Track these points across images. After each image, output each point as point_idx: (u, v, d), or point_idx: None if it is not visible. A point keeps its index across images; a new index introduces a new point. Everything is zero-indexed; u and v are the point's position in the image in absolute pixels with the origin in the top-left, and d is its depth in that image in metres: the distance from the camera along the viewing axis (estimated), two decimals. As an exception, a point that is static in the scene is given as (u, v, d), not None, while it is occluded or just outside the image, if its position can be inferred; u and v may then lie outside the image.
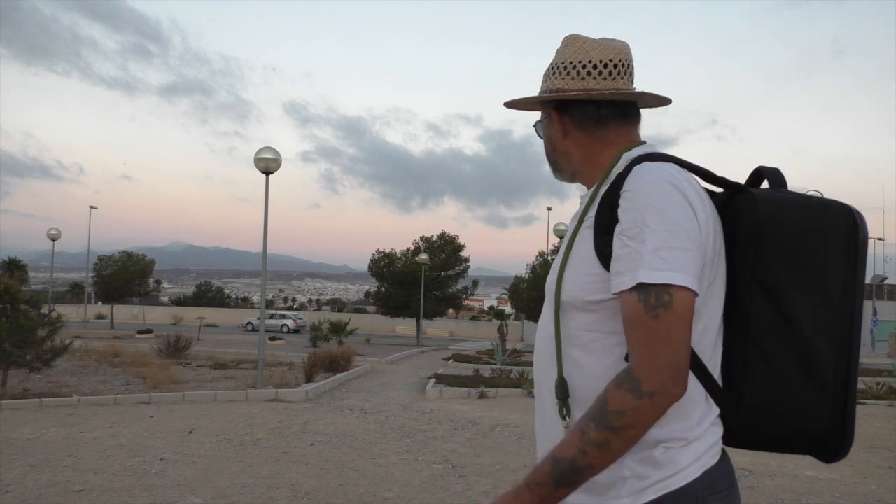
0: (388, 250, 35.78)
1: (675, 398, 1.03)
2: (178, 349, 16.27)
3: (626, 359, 1.06)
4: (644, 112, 1.32)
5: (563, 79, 1.26)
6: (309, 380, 12.12)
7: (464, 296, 38.58)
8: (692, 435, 1.10)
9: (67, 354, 11.58)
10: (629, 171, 1.12)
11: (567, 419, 1.15)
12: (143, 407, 9.00)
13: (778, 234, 1.11)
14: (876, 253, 41.03)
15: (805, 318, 1.09)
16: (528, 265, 32.43)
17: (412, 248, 35.81)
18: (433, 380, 13.47)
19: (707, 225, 1.08)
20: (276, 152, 11.54)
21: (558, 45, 1.31)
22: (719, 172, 1.19)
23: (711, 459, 1.11)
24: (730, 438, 1.16)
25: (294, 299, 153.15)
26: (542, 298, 1.27)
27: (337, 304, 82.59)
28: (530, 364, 12.63)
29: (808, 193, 1.20)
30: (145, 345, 18.86)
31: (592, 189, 1.23)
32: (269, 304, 73.36)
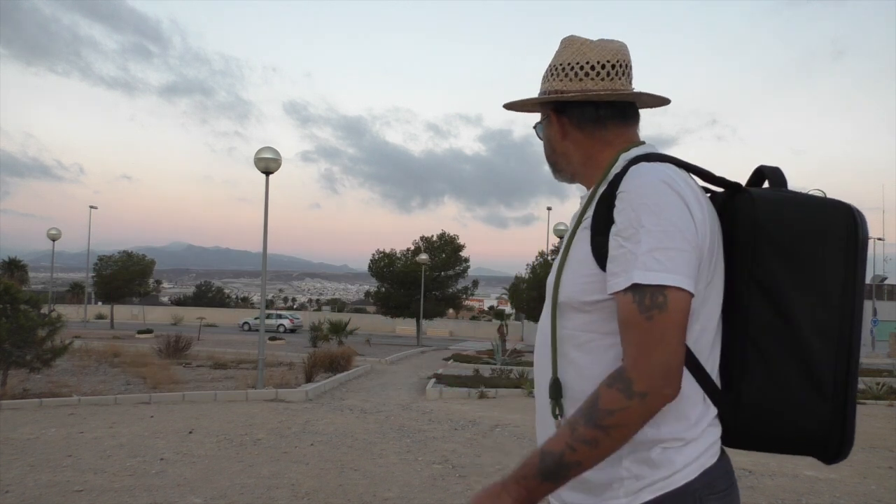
0: (388, 250, 35.79)
1: (668, 399, 1.03)
2: (178, 349, 16.28)
3: None
4: (644, 112, 1.33)
5: (561, 80, 1.27)
6: (309, 380, 12.12)
7: (464, 296, 38.58)
8: (690, 435, 1.10)
9: (67, 354, 11.59)
10: (626, 171, 1.12)
11: (559, 419, 1.16)
12: (143, 407, 9.00)
13: (776, 234, 1.10)
14: (876, 253, 41.03)
15: (804, 318, 1.09)
16: (528, 265, 32.44)
17: (412, 248, 35.81)
18: (433, 380, 13.47)
19: (703, 225, 1.08)
20: (276, 152, 11.54)
21: (557, 46, 1.32)
22: (719, 172, 1.20)
23: (710, 460, 1.11)
24: (729, 439, 1.16)
25: (294, 299, 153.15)
26: (542, 298, 1.27)
27: (337, 304, 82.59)
28: (530, 364, 12.64)
29: (810, 193, 1.20)
30: (145, 345, 18.86)
31: (591, 190, 1.24)
32: (269, 304, 73.37)
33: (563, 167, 1.34)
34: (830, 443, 1.11)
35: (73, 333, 19.17)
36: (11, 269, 47.79)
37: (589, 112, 1.26)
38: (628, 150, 1.23)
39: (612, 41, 1.27)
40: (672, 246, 1.02)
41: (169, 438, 6.88)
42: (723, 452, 1.16)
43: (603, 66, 1.24)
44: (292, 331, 38.00)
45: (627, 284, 1.03)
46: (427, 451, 6.70)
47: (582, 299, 1.13)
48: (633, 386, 1.00)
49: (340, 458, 6.23)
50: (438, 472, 5.82)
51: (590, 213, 1.17)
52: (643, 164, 1.11)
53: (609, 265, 1.08)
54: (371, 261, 35.54)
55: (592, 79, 1.24)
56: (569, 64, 1.26)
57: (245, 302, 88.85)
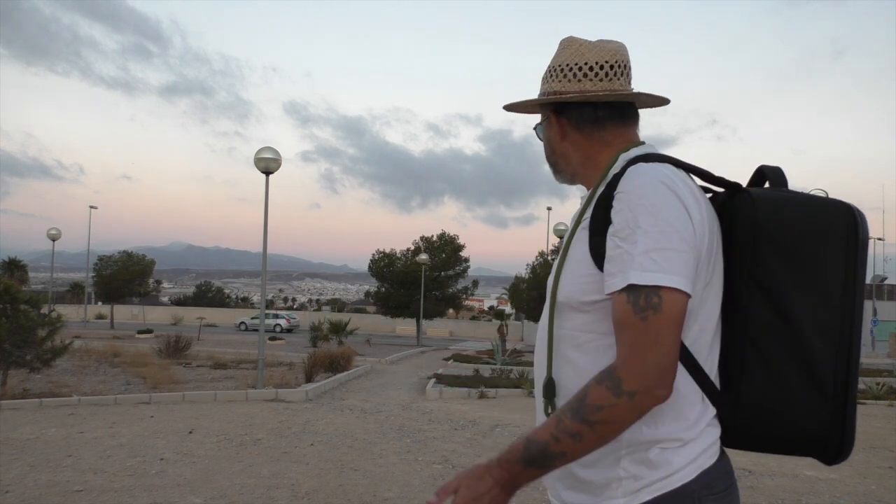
0: (388, 250, 35.80)
1: (661, 400, 1.03)
2: (178, 349, 16.28)
3: None
4: (644, 112, 1.33)
5: (559, 81, 1.27)
6: (309, 380, 12.12)
7: (464, 296, 38.59)
8: (688, 436, 1.10)
9: (67, 354, 11.58)
10: (625, 172, 1.12)
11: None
12: (143, 407, 9.00)
13: (777, 234, 1.10)
14: (876, 253, 41.04)
15: (805, 318, 1.09)
16: (528, 265, 32.44)
17: (412, 248, 35.82)
18: (433, 380, 13.47)
19: (702, 226, 1.08)
20: (276, 152, 11.54)
21: (557, 46, 1.32)
22: (719, 173, 1.20)
23: (709, 460, 1.11)
24: (729, 439, 1.16)
25: (294, 299, 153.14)
26: (542, 298, 1.28)
27: (337, 304, 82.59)
28: (530, 364, 12.63)
29: (812, 193, 1.20)
30: (145, 345, 18.86)
31: (591, 190, 1.24)
32: (269, 305, 73.35)
33: (562, 168, 1.34)
34: (831, 443, 1.11)
35: (73, 333, 19.17)
36: (11, 269, 47.80)
37: (587, 113, 1.26)
38: (628, 150, 1.23)
39: (610, 42, 1.27)
40: (669, 246, 1.03)
41: (169, 438, 6.88)
42: (722, 453, 1.16)
43: (601, 67, 1.24)
44: (289, 330, 38.02)
45: (624, 285, 1.03)
46: (427, 451, 6.70)
47: (581, 299, 1.14)
48: (623, 384, 1.01)
49: (340, 458, 6.23)
50: (438, 472, 5.82)
51: (588, 213, 1.17)
52: (641, 165, 1.11)
53: (606, 265, 1.08)
54: (371, 261, 35.54)
55: (591, 80, 1.24)
56: (567, 65, 1.26)
57: (245, 302, 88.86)
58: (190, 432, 7.23)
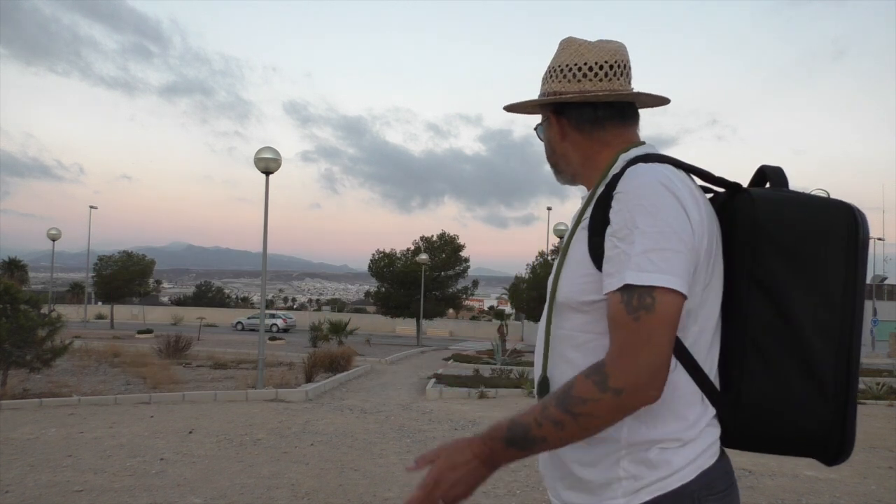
0: (388, 250, 35.80)
1: (649, 401, 1.03)
2: (178, 349, 16.28)
3: None
4: (644, 112, 1.33)
5: (559, 82, 1.27)
6: (309, 380, 12.12)
7: (464, 296, 38.60)
8: (688, 436, 1.10)
9: (67, 354, 11.58)
10: (624, 172, 1.12)
11: None
12: (143, 407, 9.00)
13: (777, 234, 1.10)
14: (876, 253, 41.06)
15: (805, 318, 1.09)
16: (528, 265, 32.46)
17: (412, 248, 35.82)
18: (433, 380, 13.47)
19: (700, 226, 1.08)
20: (276, 152, 11.53)
21: (557, 46, 1.32)
22: (719, 173, 1.20)
23: (708, 460, 1.11)
24: (729, 439, 1.16)
25: (294, 299, 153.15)
26: (542, 298, 1.28)
27: (337, 304, 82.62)
28: (530, 364, 12.64)
29: (813, 193, 1.20)
30: (145, 345, 18.86)
31: (591, 191, 1.24)
32: (269, 305, 73.35)
33: (563, 168, 1.35)
34: (831, 443, 1.11)
35: (73, 333, 19.17)
36: (11, 269, 47.81)
37: (587, 113, 1.26)
38: (627, 150, 1.23)
39: (610, 42, 1.27)
40: (666, 247, 1.03)
41: (169, 438, 6.88)
42: (722, 453, 1.16)
43: (601, 67, 1.24)
44: (285, 330, 38.01)
45: (620, 285, 1.03)
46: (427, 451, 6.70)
47: (580, 299, 1.14)
48: (609, 381, 1.01)
49: (340, 458, 6.23)
50: (438, 472, 5.82)
51: (588, 213, 1.17)
52: (640, 165, 1.11)
53: (604, 266, 1.08)
54: (371, 261, 35.55)
55: (591, 80, 1.24)
56: (567, 65, 1.26)
57: (245, 302, 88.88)
58: (190, 432, 7.23)
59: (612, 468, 1.10)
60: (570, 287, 1.15)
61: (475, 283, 43.82)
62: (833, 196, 1.18)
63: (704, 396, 1.12)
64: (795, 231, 1.10)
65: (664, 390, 1.09)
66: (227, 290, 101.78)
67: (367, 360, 17.70)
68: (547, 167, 1.39)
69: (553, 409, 1.05)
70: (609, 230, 1.09)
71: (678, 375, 1.10)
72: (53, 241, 30.89)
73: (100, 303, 47.92)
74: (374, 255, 35.67)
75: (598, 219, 1.13)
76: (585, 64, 1.24)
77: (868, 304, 35.43)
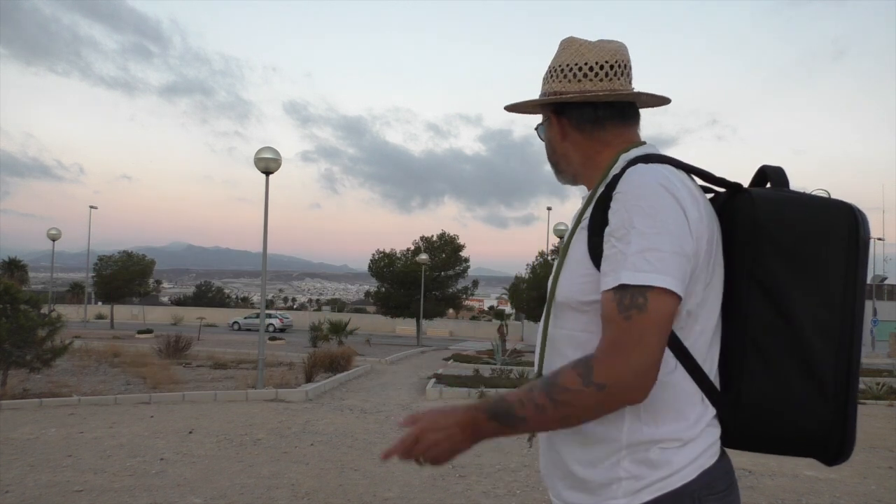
0: (388, 250, 35.80)
1: (633, 401, 1.04)
2: (178, 349, 16.27)
3: None
4: (644, 112, 1.33)
5: (560, 82, 1.27)
6: (309, 380, 12.12)
7: (464, 296, 38.60)
8: (688, 435, 1.10)
9: (67, 354, 11.58)
10: (624, 172, 1.12)
11: None
12: (143, 407, 9.00)
13: (777, 234, 1.10)
14: (876, 253, 41.07)
15: (805, 318, 1.09)
16: (528, 265, 32.46)
17: (412, 248, 35.82)
18: (433, 380, 13.47)
19: (699, 227, 1.08)
20: (276, 152, 11.53)
21: (557, 46, 1.32)
22: (719, 173, 1.20)
23: (709, 460, 1.12)
24: (729, 439, 1.16)
25: (294, 299, 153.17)
26: (542, 298, 1.29)
27: (337, 304, 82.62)
28: (530, 364, 12.63)
29: (814, 193, 1.20)
30: (145, 345, 18.86)
31: (591, 191, 1.24)
32: (269, 305, 73.36)
33: (564, 168, 1.35)
34: (831, 443, 1.12)
35: (73, 333, 19.17)
36: (11, 269, 47.81)
37: (588, 113, 1.26)
38: (628, 150, 1.23)
39: (610, 42, 1.28)
40: (662, 248, 1.03)
41: (169, 438, 6.88)
42: (723, 453, 1.16)
43: (601, 67, 1.24)
44: (282, 330, 37.95)
45: (615, 284, 1.04)
46: (427, 451, 6.70)
47: (579, 299, 1.14)
48: (593, 375, 1.02)
49: (340, 458, 6.23)
50: (438, 472, 5.82)
51: (588, 213, 1.17)
52: (640, 166, 1.12)
53: (602, 265, 1.09)
54: (371, 261, 35.55)
55: (591, 80, 1.24)
56: (567, 65, 1.26)
57: (245, 302, 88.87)
58: (190, 432, 7.23)
59: (613, 468, 1.10)
60: (570, 287, 1.16)
61: (475, 283, 43.83)
62: (833, 196, 1.18)
63: (705, 396, 1.13)
64: (796, 231, 1.10)
65: (666, 391, 1.10)
66: (227, 290, 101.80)
67: (367, 360, 17.69)
68: (547, 167, 1.39)
69: (538, 392, 1.07)
70: (607, 230, 1.09)
71: (678, 375, 1.11)
72: (53, 241, 30.90)
73: (100, 303, 47.92)
74: (374, 255, 35.68)
75: (597, 219, 1.13)
76: (586, 64, 1.25)
77: (868, 304, 35.44)
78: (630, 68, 1.27)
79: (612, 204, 1.09)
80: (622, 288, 1.03)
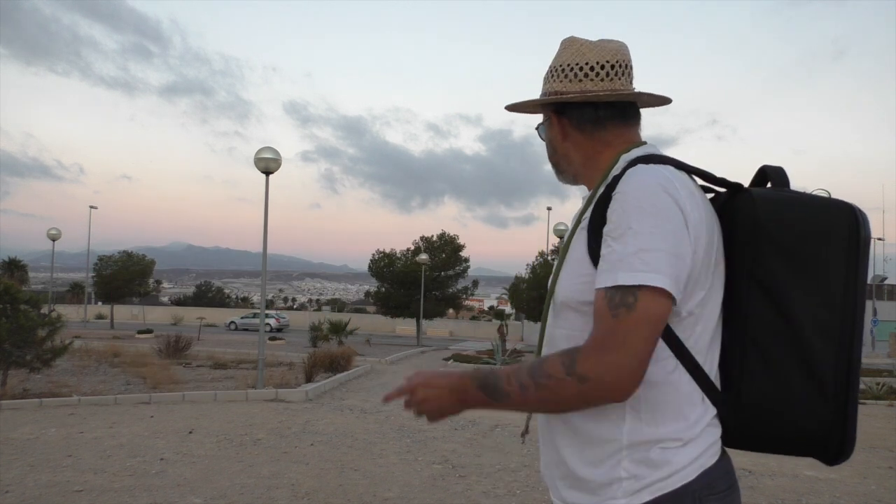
0: (388, 250, 35.80)
1: (613, 399, 1.05)
2: (178, 349, 16.27)
3: None
4: (644, 112, 1.33)
5: (560, 81, 1.27)
6: (309, 380, 12.12)
7: (464, 296, 38.59)
8: (689, 435, 1.10)
9: (67, 354, 11.58)
10: (625, 173, 1.12)
11: None
12: (143, 407, 9.00)
13: (778, 234, 1.10)
14: (876, 253, 41.08)
15: (806, 318, 1.09)
16: (528, 265, 32.47)
17: (412, 248, 35.82)
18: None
19: (699, 228, 1.08)
20: (276, 152, 11.53)
21: (558, 46, 1.32)
22: (720, 173, 1.20)
23: (709, 460, 1.12)
24: (729, 439, 1.16)
25: (294, 299, 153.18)
26: (542, 298, 1.29)
27: (337, 304, 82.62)
28: (530, 364, 12.63)
29: (815, 193, 1.20)
30: (145, 345, 18.86)
31: (592, 191, 1.24)
32: (269, 304, 73.36)
33: (564, 168, 1.35)
34: (831, 443, 1.12)
35: (73, 333, 19.17)
36: (11, 269, 47.81)
37: (588, 113, 1.26)
38: (629, 150, 1.23)
39: (611, 41, 1.27)
40: (657, 248, 1.03)
41: (169, 438, 6.88)
42: (723, 453, 1.16)
43: (602, 67, 1.24)
44: (279, 330, 37.90)
45: (607, 283, 1.05)
46: (427, 451, 6.70)
47: (579, 299, 1.14)
48: (576, 366, 1.03)
49: (340, 458, 6.23)
50: (438, 472, 5.82)
51: (588, 214, 1.18)
52: (640, 167, 1.12)
53: (599, 265, 1.09)
54: (371, 261, 35.54)
55: (592, 79, 1.24)
56: (568, 65, 1.26)
57: (245, 302, 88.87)
58: (190, 432, 7.23)
59: (614, 468, 1.11)
60: (570, 287, 1.16)
61: (475, 283, 43.83)
62: (833, 196, 1.18)
63: (705, 396, 1.13)
64: (796, 231, 1.10)
65: (666, 390, 1.10)
66: (227, 290, 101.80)
67: (367, 360, 17.69)
68: (548, 167, 1.39)
69: (525, 372, 1.09)
70: (604, 229, 1.09)
71: (679, 375, 1.11)
72: (53, 241, 30.89)
73: (100, 303, 47.92)
74: (374, 255, 35.67)
75: (597, 219, 1.13)
76: (587, 64, 1.25)
77: (868, 304, 35.45)
78: (631, 68, 1.27)
79: (611, 204, 1.10)
80: (615, 287, 1.03)
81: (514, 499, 5.04)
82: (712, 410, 1.13)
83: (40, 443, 6.55)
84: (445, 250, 35.64)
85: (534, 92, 1.35)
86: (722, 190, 1.23)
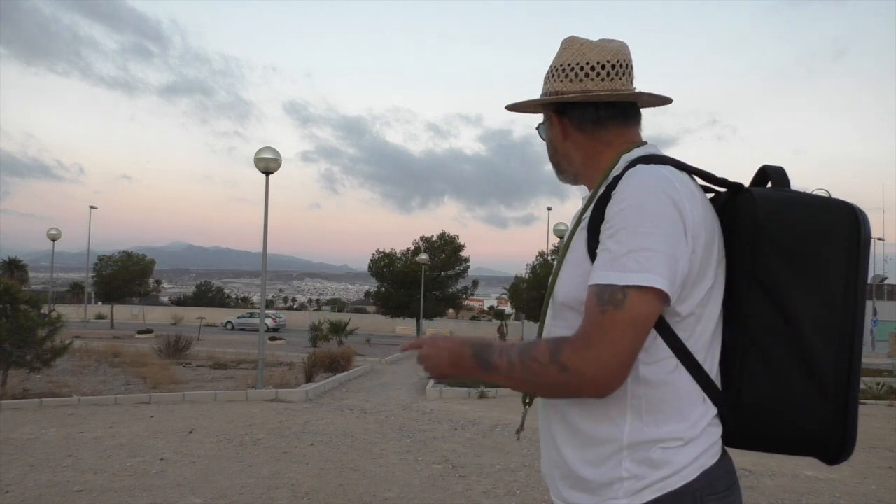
0: (388, 250, 35.84)
1: (595, 392, 1.06)
2: (178, 349, 16.27)
3: None
4: (644, 112, 1.33)
5: (561, 81, 1.27)
6: (309, 380, 12.12)
7: (464, 296, 38.65)
8: (689, 435, 1.10)
9: (67, 354, 11.58)
10: (625, 173, 1.13)
11: (527, 407, 1.33)
12: (143, 407, 9.00)
13: (778, 234, 1.10)
14: (876, 253, 41.09)
15: (806, 318, 1.09)
16: (528, 265, 32.49)
17: (412, 248, 35.86)
18: (433, 380, 13.47)
19: (698, 228, 1.08)
20: (276, 152, 11.53)
21: (558, 46, 1.32)
22: (720, 173, 1.20)
23: (710, 460, 1.12)
24: (730, 439, 1.16)
25: (294, 299, 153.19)
26: (542, 298, 1.30)
27: (337, 304, 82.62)
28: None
29: (815, 192, 1.20)
30: (145, 345, 18.86)
31: (592, 191, 1.24)
32: (269, 304, 73.36)
33: (565, 168, 1.35)
34: (831, 443, 1.11)
35: (73, 333, 19.17)
36: (11, 269, 47.80)
37: (589, 113, 1.26)
38: (629, 150, 1.23)
39: (612, 41, 1.27)
40: (652, 247, 1.03)
41: (169, 438, 6.88)
42: (724, 452, 1.16)
43: (603, 67, 1.24)
44: (275, 329, 37.91)
45: (600, 281, 1.05)
46: (427, 451, 6.70)
47: (579, 299, 1.14)
48: (560, 355, 1.05)
49: (340, 458, 6.23)
50: (438, 472, 5.82)
51: (588, 214, 1.18)
52: (640, 167, 1.12)
53: (594, 262, 1.10)
54: (371, 261, 35.58)
55: (592, 79, 1.24)
56: (569, 65, 1.26)
57: (245, 302, 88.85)
58: (190, 432, 7.23)
59: (615, 468, 1.11)
60: (569, 287, 1.16)
61: (475, 283, 43.89)
62: (833, 196, 1.18)
63: (706, 396, 1.13)
64: (797, 231, 1.10)
65: (667, 390, 1.10)
66: (227, 290, 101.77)
67: (367, 360, 17.70)
68: (548, 167, 1.39)
69: (516, 350, 1.12)
70: (601, 227, 1.10)
71: (679, 375, 1.11)
72: (53, 241, 30.90)
73: (100, 303, 47.91)
74: (374, 255, 35.72)
75: (597, 219, 1.13)
76: (587, 63, 1.25)
77: (868, 304, 35.46)
78: (631, 68, 1.27)
79: (610, 203, 1.10)
80: (606, 284, 1.04)
81: (514, 499, 5.04)
82: (713, 410, 1.13)
83: (40, 443, 6.55)
84: (445, 250, 35.67)
85: (534, 92, 1.35)
86: (722, 190, 1.23)
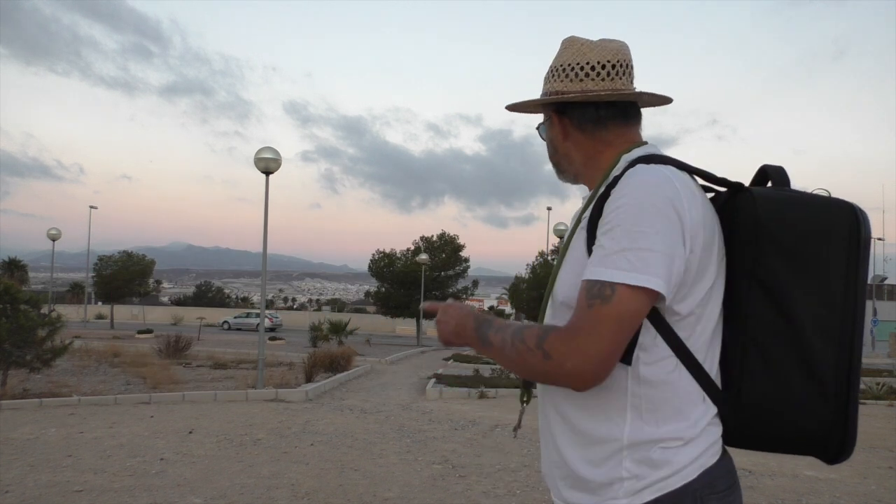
0: (388, 250, 35.82)
1: (576, 384, 1.06)
2: (178, 349, 16.27)
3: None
4: (644, 112, 1.33)
5: (561, 81, 1.27)
6: (309, 380, 12.12)
7: (464, 296, 38.60)
8: (689, 434, 1.10)
9: (67, 354, 11.58)
10: (625, 172, 1.13)
11: (524, 405, 1.34)
12: (143, 407, 9.00)
13: (779, 233, 1.10)
14: (876, 253, 41.10)
15: (806, 318, 1.09)
16: (528, 265, 32.45)
17: (412, 248, 35.84)
18: (433, 380, 13.47)
19: (696, 228, 1.08)
20: (276, 152, 11.53)
21: (558, 46, 1.32)
22: (720, 173, 1.20)
23: (710, 459, 1.12)
24: (730, 438, 1.16)
25: (294, 299, 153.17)
26: (542, 298, 1.30)
27: (337, 304, 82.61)
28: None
29: (815, 192, 1.20)
30: (145, 345, 18.86)
31: (592, 191, 1.24)
32: (269, 304, 73.34)
33: (565, 168, 1.35)
34: (831, 443, 1.11)
35: (73, 333, 19.17)
36: (11, 269, 47.81)
37: (589, 113, 1.26)
38: (630, 150, 1.24)
39: (612, 41, 1.27)
40: (647, 247, 1.04)
41: (169, 438, 6.88)
42: (724, 452, 1.16)
43: (603, 67, 1.24)
44: (272, 329, 37.90)
45: (591, 277, 1.06)
46: (427, 451, 6.70)
47: None
48: (545, 342, 1.06)
49: (340, 458, 6.23)
50: (438, 472, 5.82)
51: (588, 214, 1.18)
52: (640, 167, 1.12)
53: (589, 258, 1.10)
54: (371, 261, 35.56)
55: (593, 79, 1.24)
56: (569, 65, 1.26)
57: (245, 302, 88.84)
58: (190, 432, 7.23)
59: (615, 468, 1.11)
60: (569, 286, 1.16)
61: (475, 283, 43.84)
62: (834, 196, 1.18)
63: (706, 395, 1.13)
64: (797, 230, 1.10)
65: (667, 390, 1.10)
66: (227, 290, 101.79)
67: (367, 360, 17.70)
68: (548, 166, 1.39)
69: (510, 330, 1.14)
70: (598, 223, 1.11)
71: (680, 374, 1.11)
72: (53, 241, 30.89)
73: (100, 303, 47.91)
74: (374, 255, 35.69)
75: (597, 219, 1.13)
76: (588, 63, 1.25)
77: (868, 304, 35.46)
78: (632, 68, 1.27)
79: (608, 201, 1.10)
80: (596, 280, 1.05)
81: (514, 499, 5.04)
82: (713, 410, 1.13)
83: (40, 443, 6.55)
84: (445, 250, 35.66)
85: (534, 92, 1.35)
86: (723, 190, 1.23)
